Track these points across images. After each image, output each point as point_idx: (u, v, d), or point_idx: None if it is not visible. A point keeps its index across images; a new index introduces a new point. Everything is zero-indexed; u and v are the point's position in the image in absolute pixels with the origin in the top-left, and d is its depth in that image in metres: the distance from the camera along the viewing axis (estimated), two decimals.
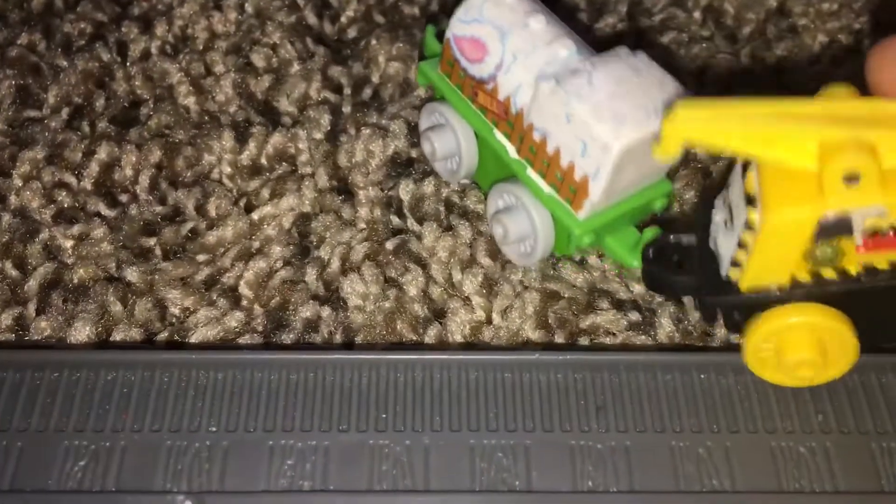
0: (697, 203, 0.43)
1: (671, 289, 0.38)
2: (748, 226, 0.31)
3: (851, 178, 0.29)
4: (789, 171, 0.30)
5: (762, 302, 0.33)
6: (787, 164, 0.30)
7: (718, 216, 0.35)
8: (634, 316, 0.40)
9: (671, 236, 0.37)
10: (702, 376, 0.36)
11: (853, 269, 0.32)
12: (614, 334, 0.39)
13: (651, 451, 0.34)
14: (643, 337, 0.39)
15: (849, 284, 0.32)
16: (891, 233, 0.31)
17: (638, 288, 0.41)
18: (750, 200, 0.32)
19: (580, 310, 0.40)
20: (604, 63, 0.36)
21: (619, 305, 0.40)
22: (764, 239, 0.31)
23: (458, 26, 0.39)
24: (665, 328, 0.39)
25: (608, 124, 0.34)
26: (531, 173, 0.38)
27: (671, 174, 0.40)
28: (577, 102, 0.35)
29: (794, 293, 0.33)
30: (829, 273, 0.32)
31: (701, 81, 0.49)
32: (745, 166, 0.33)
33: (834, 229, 0.31)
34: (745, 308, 0.34)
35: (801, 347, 0.33)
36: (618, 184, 0.36)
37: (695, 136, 0.30)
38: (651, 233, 0.38)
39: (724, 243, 0.34)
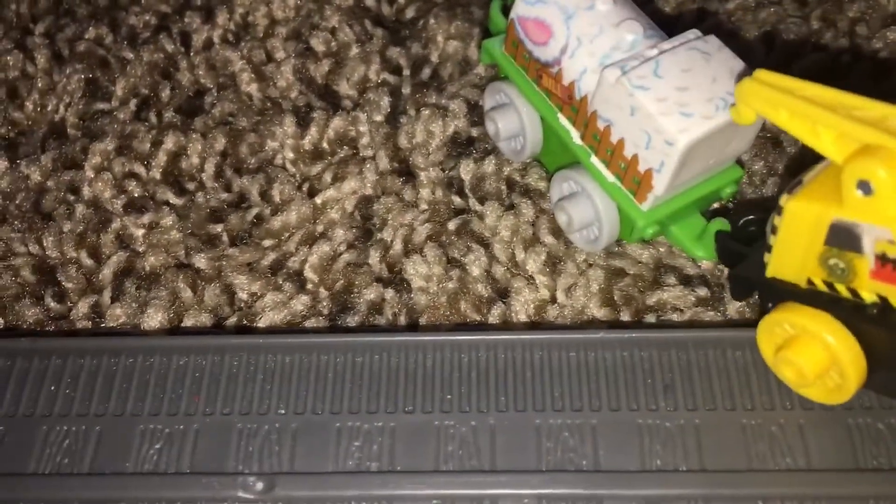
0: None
1: (727, 256, 0.37)
2: (778, 210, 0.31)
3: (864, 189, 0.27)
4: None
5: (782, 293, 0.32)
6: (830, 158, 0.29)
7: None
8: (702, 291, 0.39)
9: (752, 215, 0.36)
10: None
11: (867, 297, 0.30)
12: (682, 310, 0.38)
13: (722, 429, 0.33)
14: (712, 313, 0.38)
15: (861, 312, 0.30)
16: None
17: (706, 263, 0.40)
18: (793, 187, 0.31)
19: (646, 286, 0.39)
20: (672, 50, 0.35)
21: (686, 281, 0.39)
22: (783, 226, 0.31)
23: (522, 7, 0.38)
24: (735, 304, 0.38)
25: (674, 119, 0.33)
26: (595, 161, 0.37)
27: (739, 161, 0.39)
28: (641, 95, 0.34)
29: (812, 298, 0.31)
30: (842, 290, 0.31)
31: (769, 48, 0.47)
32: None
33: (844, 239, 0.29)
34: (768, 291, 0.33)
35: (803, 356, 0.32)
36: (683, 176, 0.35)
37: (758, 107, 0.30)
38: (718, 224, 0.37)
39: (769, 226, 0.33)
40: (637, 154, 0.35)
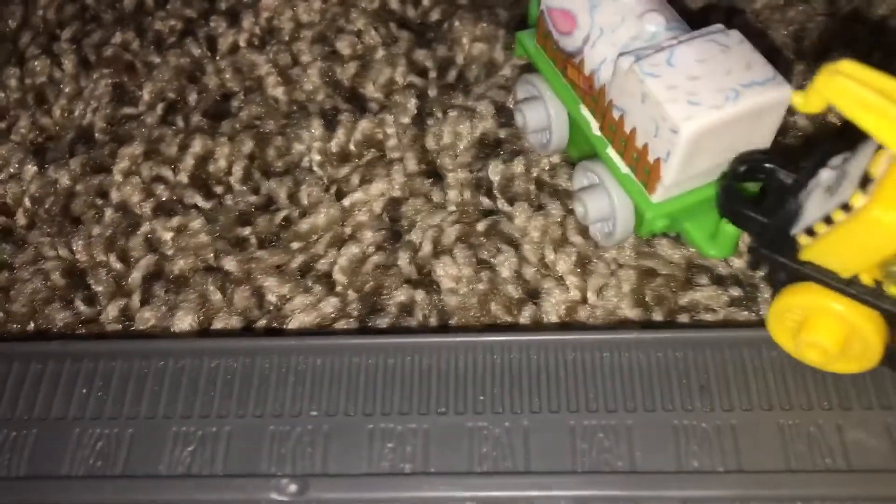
0: (818, 149, 0.40)
1: (739, 216, 0.35)
2: (846, 207, 0.29)
3: None
4: None
5: (812, 278, 0.32)
6: None
7: (825, 175, 0.32)
8: (735, 291, 0.38)
9: (770, 164, 0.34)
10: None
11: None
12: (715, 310, 0.38)
13: (759, 429, 0.33)
14: (745, 313, 0.38)
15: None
16: None
17: (738, 263, 0.39)
18: (864, 182, 0.29)
19: (678, 286, 0.39)
20: (689, 41, 0.35)
21: (718, 281, 0.39)
22: (854, 229, 0.29)
23: None
24: (768, 303, 0.38)
25: (680, 106, 0.33)
26: (611, 151, 0.37)
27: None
28: (651, 81, 0.33)
29: (846, 289, 0.31)
30: (892, 290, 0.30)
31: (798, 47, 0.47)
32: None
33: None
34: (793, 273, 0.32)
35: (823, 333, 0.31)
36: (693, 168, 0.35)
37: (837, 100, 0.28)
38: (733, 227, 0.36)
39: (814, 204, 0.31)
40: (647, 143, 0.35)
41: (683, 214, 0.37)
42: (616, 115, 0.36)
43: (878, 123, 0.27)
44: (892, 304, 0.30)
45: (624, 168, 0.37)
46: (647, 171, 0.35)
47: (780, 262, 0.33)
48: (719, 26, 0.36)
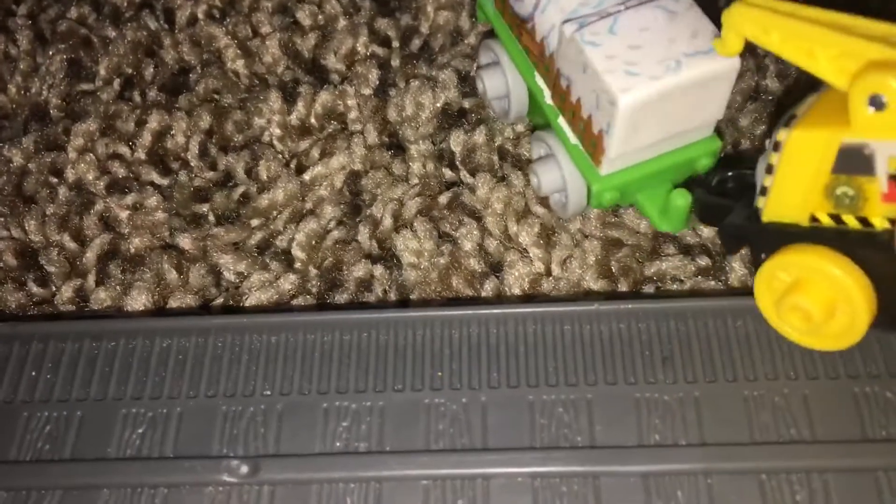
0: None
1: (708, 211, 0.35)
2: (776, 146, 0.29)
3: (877, 104, 0.26)
4: (845, 97, 0.27)
5: (779, 238, 0.31)
6: (827, 80, 0.28)
7: (769, 143, 0.31)
8: (703, 261, 0.37)
9: (735, 170, 0.35)
10: None
11: (878, 223, 0.29)
12: (682, 281, 0.37)
13: (723, 401, 0.32)
14: (713, 282, 0.37)
15: (871, 240, 0.29)
16: None
17: (707, 232, 0.38)
18: (789, 121, 0.29)
19: (644, 257, 0.38)
20: (636, 7, 0.33)
21: (686, 250, 0.38)
22: (786, 159, 0.29)
23: None
24: (737, 272, 0.37)
25: (617, 77, 0.31)
26: (562, 121, 0.36)
27: (719, 130, 0.37)
28: (590, 51, 0.32)
29: (814, 236, 0.30)
30: (851, 221, 0.29)
31: None
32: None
33: (854, 163, 0.28)
34: (763, 239, 0.31)
35: (810, 297, 0.30)
36: (637, 141, 0.33)
37: (748, 32, 0.29)
38: (678, 195, 0.35)
39: (761, 169, 0.31)
40: (591, 115, 0.33)
41: (634, 187, 0.35)
42: (563, 84, 0.35)
43: (794, 48, 0.28)
44: (857, 239, 0.29)
45: (573, 139, 0.36)
46: (593, 143, 0.34)
47: (748, 232, 0.32)
48: None
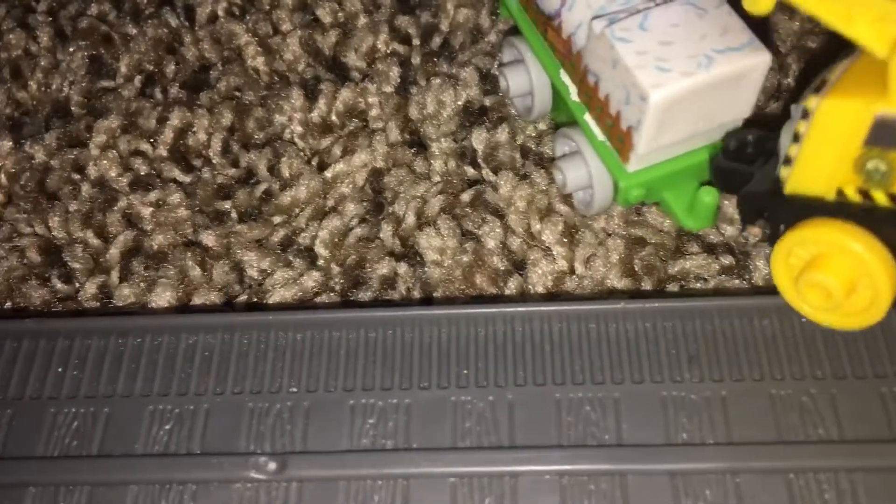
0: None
1: (726, 178, 0.34)
2: (804, 114, 0.28)
3: None
4: (882, 65, 0.26)
5: (802, 211, 0.30)
6: (866, 47, 0.26)
7: (793, 109, 0.31)
8: (727, 259, 0.37)
9: (754, 133, 0.34)
10: (802, 319, 0.33)
11: None
12: (706, 279, 0.37)
13: (749, 400, 0.32)
14: (737, 281, 0.37)
15: None
16: None
17: (730, 230, 0.38)
18: (819, 88, 0.28)
19: (668, 255, 0.38)
20: (666, 4, 0.33)
21: (710, 249, 0.38)
22: (816, 129, 0.28)
23: None
24: (761, 270, 0.37)
25: (649, 72, 0.32)
26: (588, 118, 0.36)
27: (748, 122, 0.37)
28: (621, 47, 0.32)
29: (839, 211, 0.29)
30: (880, 197, 0.28)
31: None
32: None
33: (889, 136, 0.27)
34: (784, 211, 0.31)
35: (831, 272, 0.29)
36: (667, 137, 0.33)
37: None
38: (707, 192, 0.35)
39: (786, 136, 0.31)
40: (620, 111, 0.33)
41: (661, 184, 0.36)
42: (591, 80, 0.35)
43: (829, 9, 0.26)
44: (885, 216, 0.28)
45: (600, 136, 0.36)
46: (621, 140, 0.34)
47: (768, 203, 0.31)
48: None
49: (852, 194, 0.29)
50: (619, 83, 0.33)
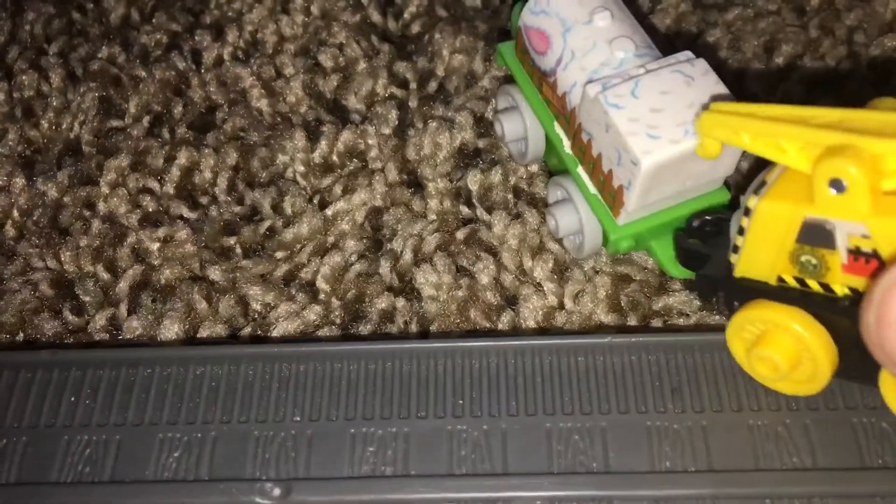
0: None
1: (687, 257, 0.37)
2: (747, 212, 0.31)
3: (837, 186, 0.28)
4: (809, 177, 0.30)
5: (750, 292, 0.33)
6: (799, 168, 0.30)
7: (742, 199, 0.34)
8: None
9: (715, 215, 0.36)
10: None
11: (839, 290, 0.31)
12: (688, 315, 0.39)
13: (729, 430, 0.34)
14: (717, 317, 0.39)
15: (832, 304, 0.31)
16: (874, 260, 0.29)
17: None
18: (759, 188, 0.31)
19: (652, 292, 0.40)
20: (656, 71, 0.35)
21: (691, 286, 0.40)
22: (754, 227, 0.31)
23: (528, 17, 0.39)
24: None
25: (640, 139, 0.34)
26: (580, 171, 0.38)
27: (728, 183, 0.39)
28: (615, 113, 0.34)
29: (782, 294, 0.32)
30: (814, 285, 0.31)
31: (769, 58, 0.48)
32: None
33: (816, 236, 0.30)
34: (735, 291, 0.34)
35: (776, 349, 0.32)
36: (655, 195, 0.36)
37: (722, 136, 0.31)
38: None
39: (734, 226, 0.34)
40: (612, 170, 0.36)
41: (648, 235, 0.38)
42: (585, 138, 0.37)
43: (763, 145, 0.30)
44: (820, 301, 0.31)
45: (592, 188, 0.38)
46: (612, 196, 0.36)
47: (721, 283, 0.34)
48: (687, 54, 0.36)
49: (791, 281, 0.32)
50: (611, 145, 0.35)
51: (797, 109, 0.30)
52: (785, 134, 0.29)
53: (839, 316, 0.31)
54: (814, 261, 0.31)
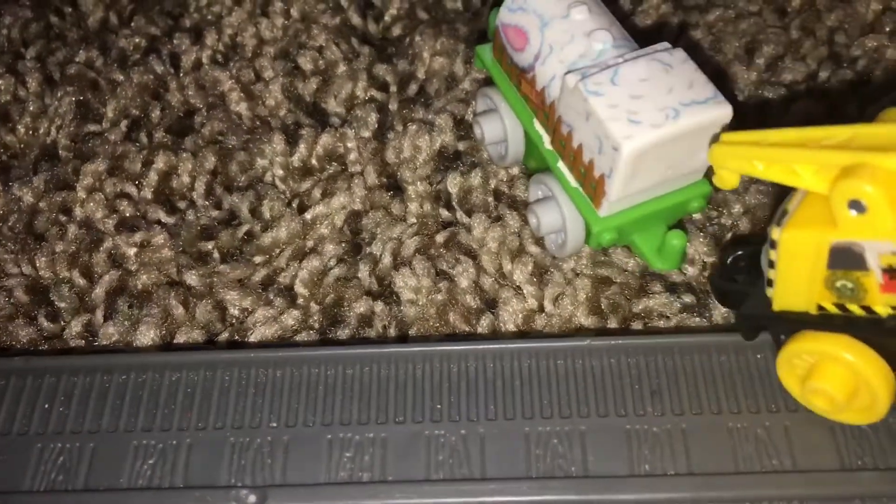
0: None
1: (724, 296, 0.37)
2: (773, 244, 0.31)
3: (857, 207, 0.27)
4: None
5: (793, 324, 0.32)
6: (817, 191, 0.29)
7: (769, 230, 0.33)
8: (688, 298, 0.39)
9: (746, 249, 0.36)
10: (758, 356, 0.35)
11: (881, 311, 0.30)
12: (668, 317, 0.39)
13: (708, 432, 0.34)
14: (697, 319, 0.39)
15: (878, 326, 0.30)
16: None
17: (691, 270, 0.40)
18: (780, 218, 0.31)
19: (632, 294, 0.40)
20: (634, 59, 0.35)
21: (671, 288, 0.40)
22: (781, 258, 0.31)
23: (505, 14, 0.39)
24: (720, 309, 0.39)
25: (621, 125, 0.34)
26: (561, 165, 0.38)
27: (709, 175, 0.39)
28: (594, 100, 0.34)
29: (826, 322, 0.31)
30: (856, 309, 0.30)
31: (750, 59, 0.48)
32: None
33: (847, 260, 0.29)
34: (778, 325, 0.33)
35: (829, 381, 0.32)
36: (637, 184, 0.35)
37: (736, 167, 0.31)
38: (675, 235, 0.38)
39: (765, 260, 0.33)
40: (593, 159, 0.35)
41: (631, 228, 0.38)
42: (565, 130, 0.37)
43: (777, 171, 0.30)
44: (865, 325, 0.30)
45: (573, 182, 0.38)
46: (593, 186, 0.36)
47: (763, 319, 0.34)
48: (665, 44, 0.36)
49: (831, 308, 0.31)
50: (592, 134, 0.35)
51: (807, 131, 0.30)
52: (797, 158, 0.29)
53: (888, 337, 0.30)
54: (850, 285, 0.30)
